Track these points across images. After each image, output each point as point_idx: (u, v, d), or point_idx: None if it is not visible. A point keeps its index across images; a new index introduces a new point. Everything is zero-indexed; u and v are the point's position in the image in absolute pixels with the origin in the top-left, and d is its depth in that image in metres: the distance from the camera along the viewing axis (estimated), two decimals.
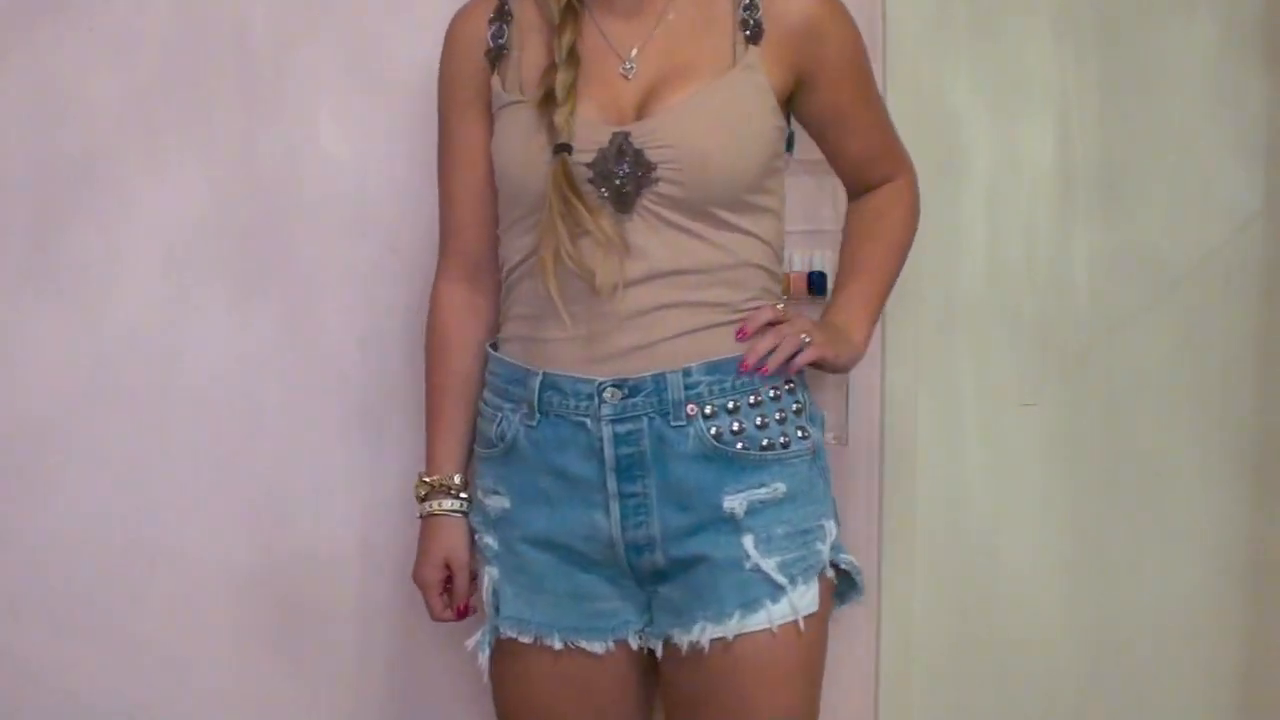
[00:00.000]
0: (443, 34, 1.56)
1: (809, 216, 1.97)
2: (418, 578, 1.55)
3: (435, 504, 1.50)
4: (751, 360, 1.38)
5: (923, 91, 2.00)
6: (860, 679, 2.07)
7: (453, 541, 1.51)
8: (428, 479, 1.52)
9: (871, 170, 1.54)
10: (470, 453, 1.54)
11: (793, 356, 1.39)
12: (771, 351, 1.38)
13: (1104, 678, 2.20)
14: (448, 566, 1.52)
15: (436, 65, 1.60)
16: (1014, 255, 2.12)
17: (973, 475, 2.15)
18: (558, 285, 1.35)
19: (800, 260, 1.95)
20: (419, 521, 1.57)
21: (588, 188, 1.34)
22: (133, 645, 1.88)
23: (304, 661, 1.92)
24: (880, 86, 1.98)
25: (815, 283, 1.95)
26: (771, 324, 1.40)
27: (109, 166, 1.82)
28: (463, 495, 1.51)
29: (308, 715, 1.93)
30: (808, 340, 1.39)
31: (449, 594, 1.56)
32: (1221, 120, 2.13)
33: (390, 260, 1.81)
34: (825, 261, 1.97)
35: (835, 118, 1.48)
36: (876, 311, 1.49)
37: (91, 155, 1.82)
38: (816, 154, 1.95)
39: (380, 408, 1.87)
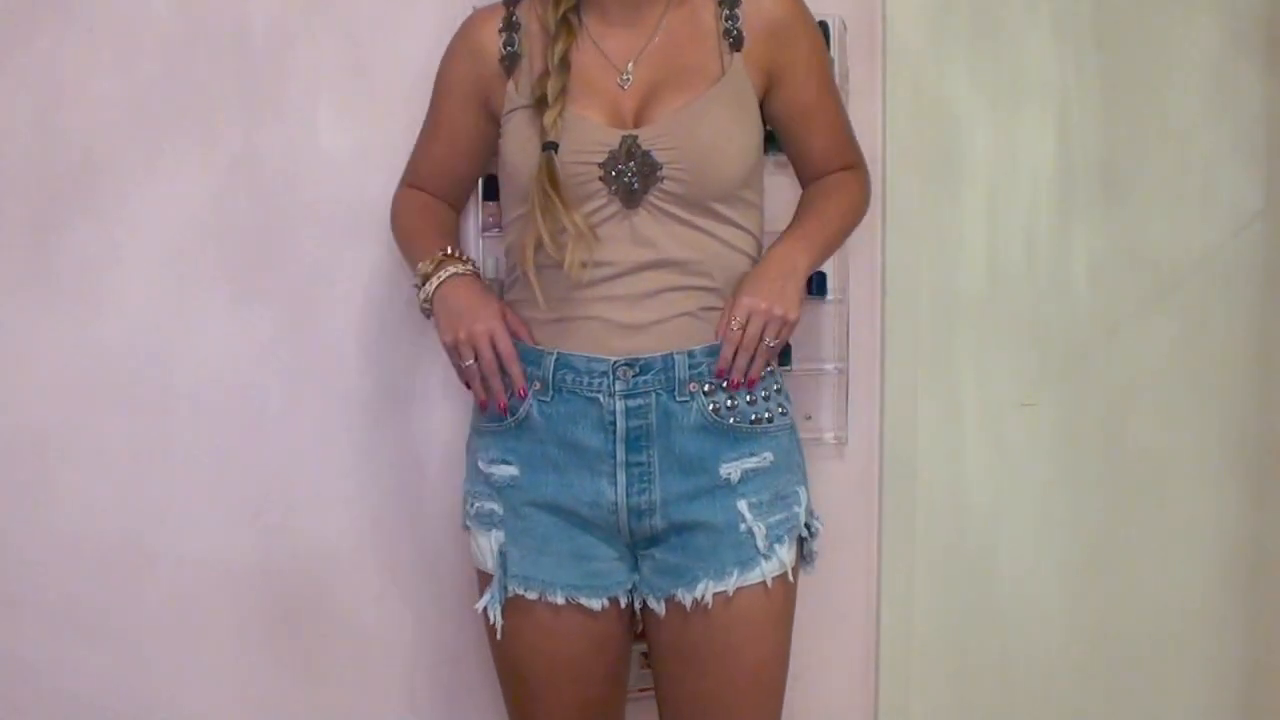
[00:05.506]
0: (442, 34, 1.65)
1: None
2: (476, 331, 1.51)
3: (448, 270, 1.54)
4: (737, 379, 1.51)
5: (923, 91, 2.00)
6: (860, 678, 2.08)
7: (492, 295, 1.57)
8: (427, 263, 1.55)
9: (830, 165, 1.64)
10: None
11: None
12: (751, 361, 1.51)
13: (1103, 676, 2.21)
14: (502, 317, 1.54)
15: (436, 65, 1.65)
16: (1014, 255, 2.12)
17: (973, 475, 2.15)
18: (536, 270, 1.47)
19: None
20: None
21: (596, 185, 1.47)
22: (133, 645, 1.88)
23: (304, 661, 1.92)
24: (880, 86, 1.99)
25: (814, 283, 1.95)
26: (738, 345, 1.51)
27: (109, 166, 1.82)
28: (468, 261, 1.56)
29: (307, 714, 1.93)
30: (772, 343, 1.51)
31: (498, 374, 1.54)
32: (1221, 120, 2.13)
33: (390, 260, 1.82)
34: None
35: (802, 115, 1.59)
36: (820, 249, 1.57)
37: (91, 155, 1.81)
38: None
39: (380, 407, 1.88)
